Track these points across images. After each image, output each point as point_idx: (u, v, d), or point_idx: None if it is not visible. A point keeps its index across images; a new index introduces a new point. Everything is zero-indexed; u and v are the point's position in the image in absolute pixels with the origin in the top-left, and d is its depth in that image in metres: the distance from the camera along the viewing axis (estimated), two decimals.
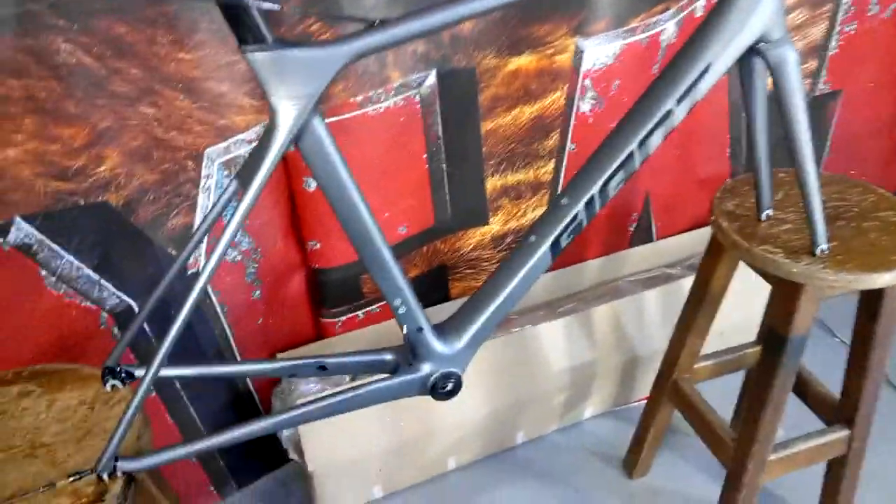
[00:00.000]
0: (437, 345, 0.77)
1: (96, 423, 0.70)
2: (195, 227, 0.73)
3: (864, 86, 1.49)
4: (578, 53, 1.15)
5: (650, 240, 1.50)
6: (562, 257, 1.44)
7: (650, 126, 0.69)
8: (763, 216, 0.93)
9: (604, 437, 1.41)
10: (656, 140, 0.71)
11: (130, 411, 0.63)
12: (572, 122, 1.23)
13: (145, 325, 1.05)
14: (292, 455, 1.20)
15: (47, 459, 0.67)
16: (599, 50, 1.17)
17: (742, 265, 0.99)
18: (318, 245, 1.17)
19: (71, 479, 0.64)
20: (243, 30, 0.56)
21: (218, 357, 1.17)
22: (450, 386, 0.79)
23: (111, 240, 0.97)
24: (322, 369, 0.78)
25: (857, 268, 0.84)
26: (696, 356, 1.17)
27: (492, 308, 0.77)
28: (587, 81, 1.20)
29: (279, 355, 1.26)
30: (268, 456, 1.37)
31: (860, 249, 0.87)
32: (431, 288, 1.34)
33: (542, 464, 1.36)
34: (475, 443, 1.33)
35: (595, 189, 0.72)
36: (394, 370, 0.80)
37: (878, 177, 1.63)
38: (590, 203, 0.72)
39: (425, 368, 0.78)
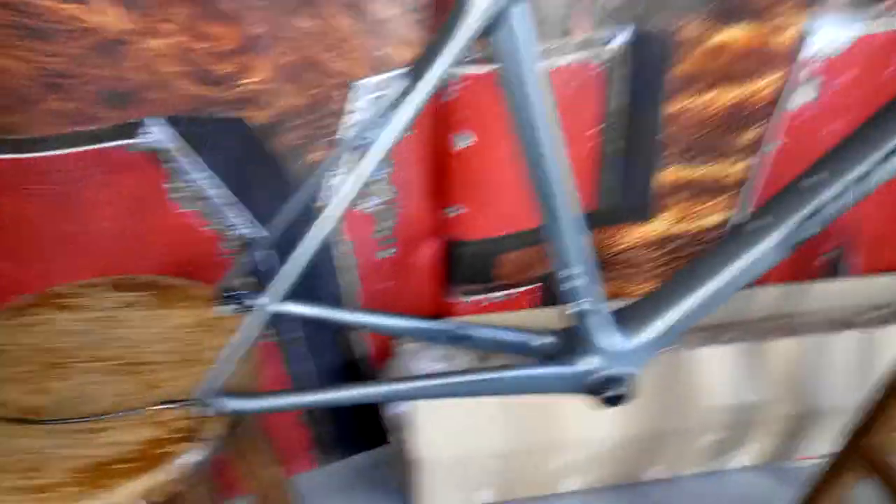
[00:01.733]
0: (613, 336, 0.61)
1: (207, 349, 0.60)
2: (341, 144, 0.61)
3: None
4: (802, 35, 0.95)
5: (844, 273, 1.26)
6: None
7: None
8: None
9: (753, 495, 1.19)
10: None
11: (243, 337, 0.52)
12: (780, 116, 1.03)
13: (276, 258, 0.96)
14: (395, 437, 1.07)
15: (143, 380, 0.57)
16: (830, 35, 0.96)
17: None
18: (463, 210, 1.04)
19: (163, 405, 0.53)
20: None
21: None
22: (620, 390, 0.62)
23: (246, 162, 0.88)
24: (456, 339, 0.64)
25: None
26: None
27: (693, 302, 0.60)
28: (804, 72, 0.99)
29: None
30: (367, 433, 1.25)
31: None
32: None
33: None
34: (601, 468, 1.15)
35: (875, 157, 0.53)
36: (551, 357, 0.64)
37: None
38: (862, 179, 0.54)
39: (591, 362, 0.62)
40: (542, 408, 1.06)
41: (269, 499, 0.70)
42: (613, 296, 1.21)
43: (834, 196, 0.56)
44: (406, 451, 1.05)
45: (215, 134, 0.85)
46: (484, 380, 0.62)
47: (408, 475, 1.10)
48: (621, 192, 1.08)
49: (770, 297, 1.24)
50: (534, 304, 1.18)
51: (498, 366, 0.60)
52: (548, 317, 1.17)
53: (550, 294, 1.18)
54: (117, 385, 0.56)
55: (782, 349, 1.12)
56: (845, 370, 1.14)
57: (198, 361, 0.58)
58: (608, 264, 1.17)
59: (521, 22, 0.50)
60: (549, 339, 0.64)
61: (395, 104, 0.52)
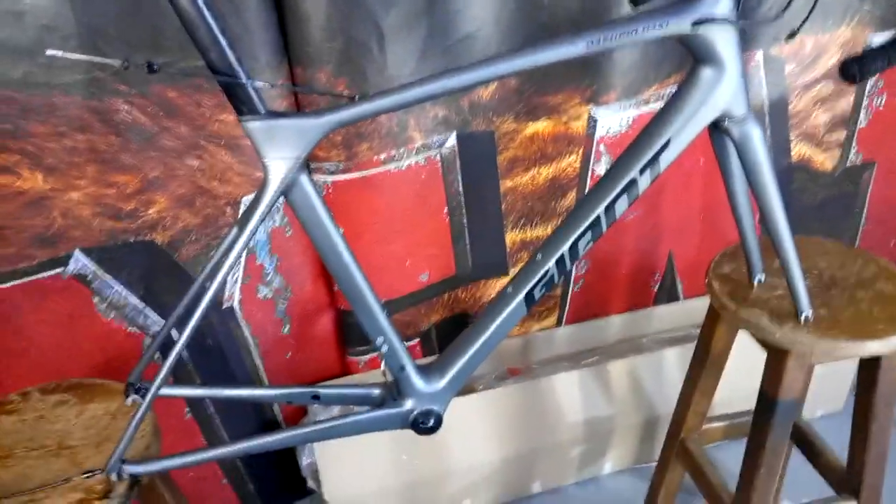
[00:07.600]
0: (420, 383, 0.84)
1: (116, 431, 0.81)
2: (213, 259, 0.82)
3: None
4: (592, 121, 1.22)
5: (676, 298, 1.52)
6: (586, 311, 1.49)
7: (615, 193, 0.75)
8: (756, 281, 0.95)
9: (622, 494, 1.41)
10: (622, 206, 0.76)
11: (135, 420, 0.73)
12: (588, 183, 1.29)
13: (184, 351, 1.17)
14: (311, 484, 1.27)
15: (70, 459, 0.78)
16: (613, 118, 1.23)
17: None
18: None
19: (84, 475, 0.74)
20: (240, 103, 0.67)
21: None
22: (430, 423, 0.85)
23: (156, 273, 1.10)
24: (315, 398, 0.86)
25: (842, 335, 0.85)
26: (703, 417, 1.17)
27: (471, 352, 0.84)
28: (601, 146, 1.26)
29: None
30: (293, 485, 1.45)
31: (849, 318, 0.88)
32: (452, 334, 1.40)
33: None
34: (491, 488, 1.36)
35: (565, 248, 0.78)
36: (380, 404, 0.87)
37: None
38: (560, 261, 0.78)
39: (408, 404, 0.85)
40: (430, 442, 1.28)
41: None
42: None
43: (551, 267, 0.80)
44: (319, 495, 1.25)
45: (130, 254, 1.07)
46: (336, 425, 0.85)
47: None
48: (479, 254, 1.32)
49: (619, 325, 1.49)
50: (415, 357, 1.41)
51: (341, 414, 0.83)
52: None
53: (429, 346, 1.41)
54: (49, 466, 0.76)
55: (624, 367, 1.36)
56: (679, 380, 1.38)
57: (111, 440, 0.79)
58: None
59: (306, 182, 0.73)
60: (380, 391, 0.87)
61: (228, 248, 0.74)
